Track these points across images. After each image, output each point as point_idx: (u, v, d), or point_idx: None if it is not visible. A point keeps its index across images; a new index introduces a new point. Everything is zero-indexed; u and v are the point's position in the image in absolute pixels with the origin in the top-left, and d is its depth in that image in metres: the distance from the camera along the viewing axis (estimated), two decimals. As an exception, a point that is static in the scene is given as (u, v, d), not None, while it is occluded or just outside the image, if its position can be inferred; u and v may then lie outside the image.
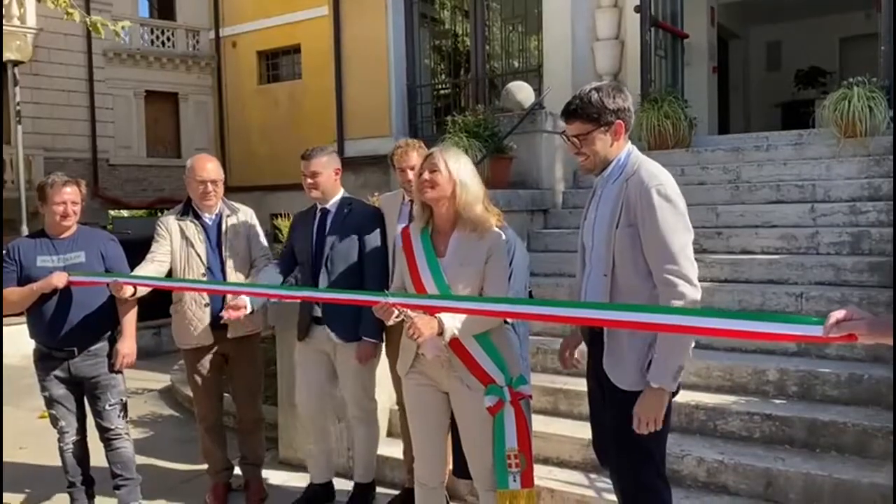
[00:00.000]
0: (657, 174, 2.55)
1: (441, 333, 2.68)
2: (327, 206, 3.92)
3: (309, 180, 3.84)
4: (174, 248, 3.97)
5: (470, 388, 2.90)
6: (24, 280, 3.67)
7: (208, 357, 4.05)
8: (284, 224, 6.16)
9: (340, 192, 3.97)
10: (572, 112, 2.62)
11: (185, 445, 5.18)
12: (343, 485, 4.20)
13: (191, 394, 4.49)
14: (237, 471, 4.36)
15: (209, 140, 19.09)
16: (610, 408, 2.64)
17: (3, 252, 3.75)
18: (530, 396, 2.97)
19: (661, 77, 7.83)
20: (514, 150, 6.36)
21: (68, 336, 3.74)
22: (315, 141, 10.76)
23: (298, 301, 3.97)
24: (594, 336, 2.71)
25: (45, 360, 3.82)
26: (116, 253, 3.90)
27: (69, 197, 3.71)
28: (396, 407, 4.16)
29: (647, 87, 7.45)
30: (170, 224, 4.00)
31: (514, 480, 2.87)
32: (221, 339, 4.01)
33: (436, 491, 3.17)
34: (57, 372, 3.79)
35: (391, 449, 4.32)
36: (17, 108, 10.40)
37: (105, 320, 3.84)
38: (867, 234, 4.93)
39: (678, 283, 2.43)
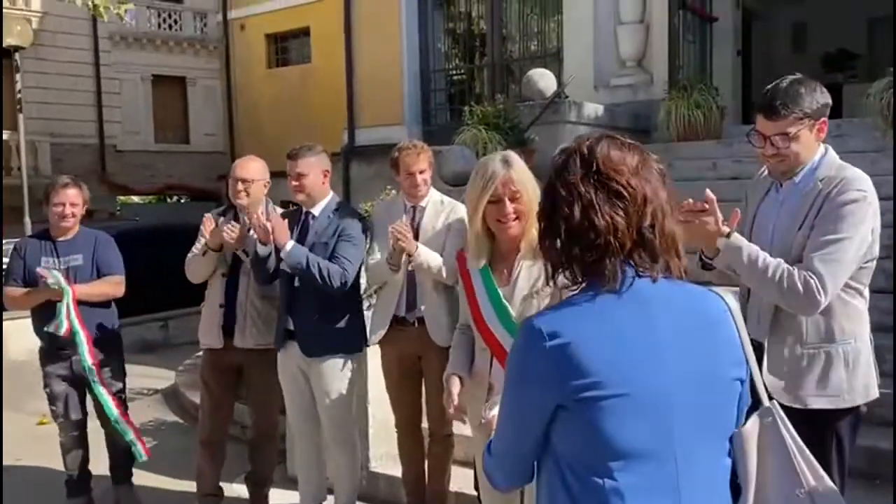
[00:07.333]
0: (863, 179, 2.34)
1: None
2: (313, 210, 3.67)
3: (294, 182, 3.57)
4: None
5: None
6: (29, 279, 3.90)
7: (222, 365, 3.90)
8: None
9: (329, 196, 3.71)
10: (778, 108, 2.33)
11: (189, 456, 4.90)
12: None
13: (196, 400, 4.44)
14: (238, 492, 4.16)
15: (218, 125, 18.82)
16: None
17: (13, 248, 4.00)
18: None
19: (690, 63, 7.47)
20: (536, 142, 6.05)
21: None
22: (327, 126, 10.53)
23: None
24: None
25: (49, 357, 4.03)
26: (108, 255, 4.03)
27: (68, 199, 3.88)
28: (395, 429, 3.90)
29: (676, 74, 7.12)
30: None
31: None
32: (232, 347, 3.83)
33: None
34: (60, 370, 3.99)
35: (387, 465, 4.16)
36: (18, 95, 10.11)
37: (107, 318, 4.03)
38: (919, 235, 4.57)
39: (814, 278, 2.26)
